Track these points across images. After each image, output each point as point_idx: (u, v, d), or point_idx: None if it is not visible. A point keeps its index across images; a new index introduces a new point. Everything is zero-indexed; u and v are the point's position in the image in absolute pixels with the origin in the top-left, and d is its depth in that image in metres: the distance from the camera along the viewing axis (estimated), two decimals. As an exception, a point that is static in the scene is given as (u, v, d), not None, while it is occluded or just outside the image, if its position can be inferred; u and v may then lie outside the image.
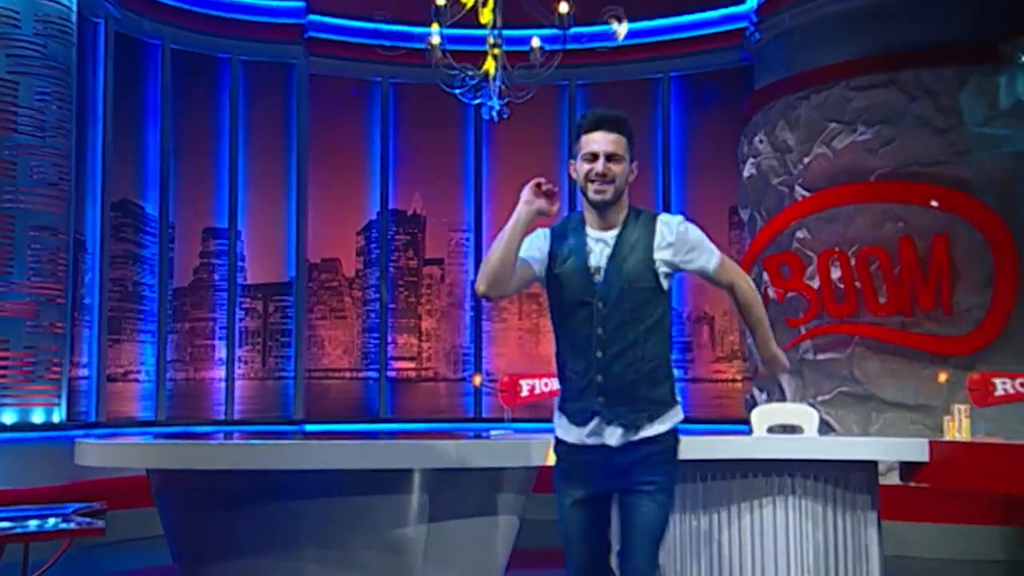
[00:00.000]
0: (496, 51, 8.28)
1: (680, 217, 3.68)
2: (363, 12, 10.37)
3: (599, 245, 3.59)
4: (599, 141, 3.50)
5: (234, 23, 10.16)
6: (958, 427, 5.94)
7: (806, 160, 9.04)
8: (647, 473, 3.55)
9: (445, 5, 8.00)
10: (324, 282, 10.95)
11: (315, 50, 10.68)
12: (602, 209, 3.58)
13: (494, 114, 8.41)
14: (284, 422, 10.32)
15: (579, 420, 3.64)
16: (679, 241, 3.58)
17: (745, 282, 3.76)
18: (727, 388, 10.93)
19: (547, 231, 3.66)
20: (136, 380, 9.64)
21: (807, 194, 9.04)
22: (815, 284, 8.89)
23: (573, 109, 11.30)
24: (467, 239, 11.42)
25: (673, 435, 3.65)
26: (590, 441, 3.61)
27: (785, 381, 9.20)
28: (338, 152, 10.98)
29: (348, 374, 10.96)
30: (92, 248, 9.20)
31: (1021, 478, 5.29)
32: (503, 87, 8.36)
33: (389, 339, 11.09)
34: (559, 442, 3.72)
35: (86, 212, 9.12)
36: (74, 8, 8.56)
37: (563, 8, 8.13)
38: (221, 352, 10.25)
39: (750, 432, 9.35)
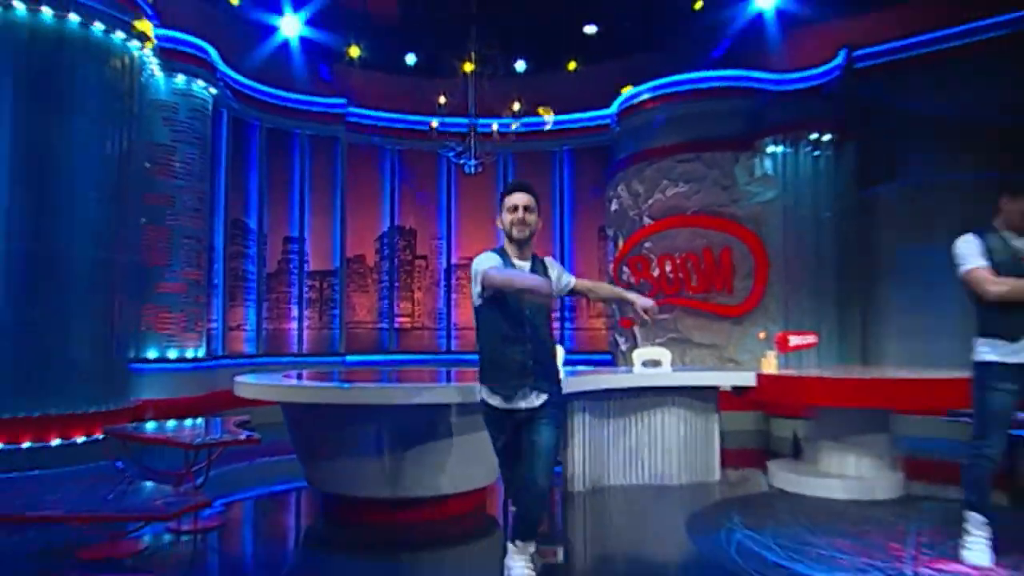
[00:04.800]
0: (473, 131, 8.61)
1: (552, 259, 3.50)
2: (382, 105, 10.61)
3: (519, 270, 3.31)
4: (519, 199, 3.28)
5: (303, 112, 10.19)
6: (770, 365, 5.91)
7: (650, 201, 9.23)
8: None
9: (444, 104, 8.31)
10: (355, 269, 10.90)
11: (351, 128, 10.64)
12: (521, 245, 3.30)
13: (471, 169, 8.67)
14: (333, 355, 10.34)
15: (512, 394, 3.25)
16: (558, 270, 3.46)
17: (586, 282, 3.64)
18: (596, 334, 10.94)
19: (498, 256, 3.28)
20: (244, 329, 9.67)
21: (651, 222, 9.22)
22: (656, 274, 9.13)
23: (506, 169, 11.12)
24: (441, 244, 11.34)
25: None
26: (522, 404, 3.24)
27: (638, 332, 9.26)
28: (365, 190, 10.96)
29: (370, 325, 10.94)
30: (218, 249, 9.16)
31: (810, 395, 5.49)
32: (477, 153, 8.65)
33: (396, 304, 11.09)
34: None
35: (215, 226, 9.11)
36: (210, 102, 8.62)
37: (516, 107, 8.50)
38: (295, 312, 10.20)
39: (613, 360, 9.84)
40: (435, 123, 8.42)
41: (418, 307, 11.20)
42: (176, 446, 4.66)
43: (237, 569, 4.14)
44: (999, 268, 3.87)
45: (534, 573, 3.34)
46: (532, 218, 3.28)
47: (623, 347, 9.53)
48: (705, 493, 5.61)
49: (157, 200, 8.00)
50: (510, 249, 3.33)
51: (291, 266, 10.19)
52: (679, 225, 8.99)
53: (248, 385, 4.62)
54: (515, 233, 3.27)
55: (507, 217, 3.29)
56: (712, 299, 8.82)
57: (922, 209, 8.26)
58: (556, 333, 10.51)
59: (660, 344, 8.77)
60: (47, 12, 6.43)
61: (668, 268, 9.02)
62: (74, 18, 6.55)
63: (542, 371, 3.25)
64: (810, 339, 6.33)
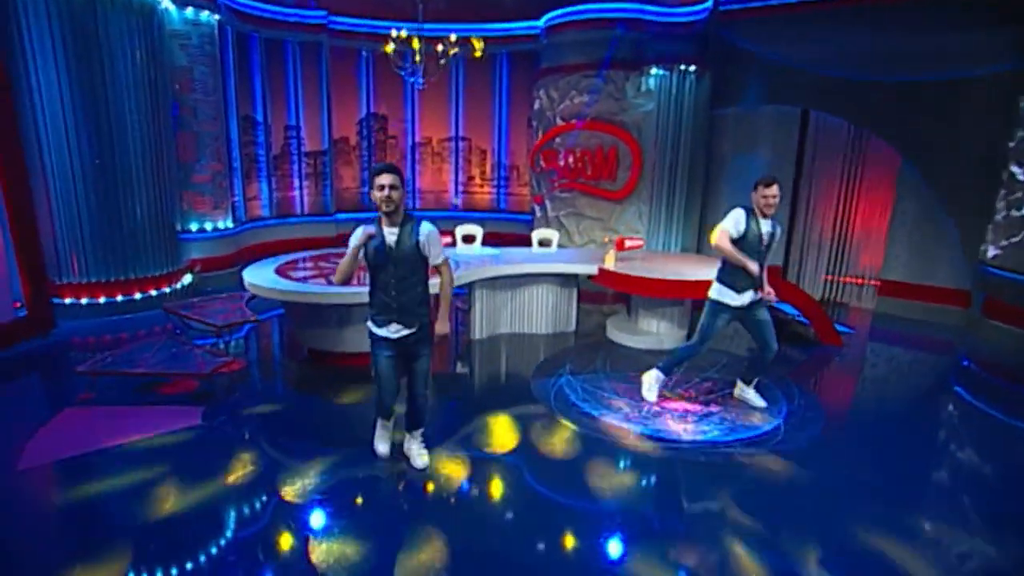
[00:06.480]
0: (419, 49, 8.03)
1: (431, 226, 3.12)
2: (359, 13, 10.09)
3: (391, 235, 3.15)
4: (385, 179, 3.09)
5: (292, 23, 9.85)
6: (610, 260, 6.23)
7: (561, 106, 9.05)
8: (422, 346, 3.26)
9: (396, 37, 7.86)
10: (341, 148, 10.79)
11: (333, 36, 10.27)
12: (390, 216, 3.14)
13: (420, 86, 8.59)
14: (326, 215, 10.50)
15: (381, 323, 3.16)
16: (428, 240, 3.16)
17: (446, 279, 3.27)
18: (522, 198, 11.01)
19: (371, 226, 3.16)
20: (259, 199, 9.84)
21: (561, 122, 9.06)
22: (561, 164, 9.13)
23: (458, 70, 10.81)
24: (407, 126, 11.02)
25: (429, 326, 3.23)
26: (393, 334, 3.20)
27: (548, 205, 9.35)
28: (346, 85, 10.65)
29: (354, 190, 10.93)
30: (234, 140, 9.16)
31: (625, 286, 5.78)
32: (426, 70, 8.42)
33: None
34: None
35: (230, 123, 9.04)
36: (215, 26, 8.31)
37: (452, 38, 8.05)
38: (296, 183, 10.25)
39: (532, 221, 9.72)
40: (390, 48, 8.05)
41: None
42: (208, 327, 5.62)
43: (255, 393, 4.87)
44: (747, 244, 4.12)
45: (424, 451, 3.61)
46: (396, 195, 3.09)
47: (538, 214, 9.89)
48: (561, 341, 6.02)
49: (183, 112, 8.14)
50: (383, 219, 3.20)
51: (291, 148, 10.10)
52: (581, 128, 8.92)
53: (253, 285, 5.05)
54: (383, 208, 3.11)
55: (376, 194, 3.10)
56: (601, 185, 8.95)
57: (749, 129, 8.68)
58: (492, 199, 11.33)
59: (563, 215, 9.12)
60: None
61: (571, 160, 9.02)
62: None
63: (404, 311, 3.14)
64: (639, 242, 6.73)
